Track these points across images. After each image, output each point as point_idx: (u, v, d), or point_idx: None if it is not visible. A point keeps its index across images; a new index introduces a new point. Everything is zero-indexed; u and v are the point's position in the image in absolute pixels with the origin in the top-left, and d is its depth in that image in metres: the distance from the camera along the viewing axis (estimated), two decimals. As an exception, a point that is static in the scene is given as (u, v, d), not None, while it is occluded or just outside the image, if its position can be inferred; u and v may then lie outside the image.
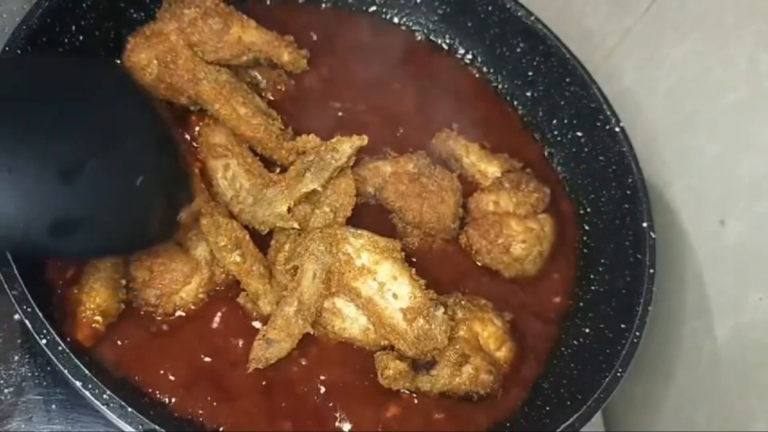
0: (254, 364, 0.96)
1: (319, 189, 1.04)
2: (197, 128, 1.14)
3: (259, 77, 1.22)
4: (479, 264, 1.18)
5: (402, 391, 1.01)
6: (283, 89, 1.24)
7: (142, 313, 0.99)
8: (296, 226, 1.03)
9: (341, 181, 1.08)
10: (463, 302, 1.06)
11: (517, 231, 1.15)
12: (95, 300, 0.91)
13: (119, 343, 0.95)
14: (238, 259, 0.98)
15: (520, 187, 1.19)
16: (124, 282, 0.96)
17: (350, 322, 1.02)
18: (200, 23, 1.11)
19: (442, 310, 1.01)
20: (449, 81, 1.40)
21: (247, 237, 1.01)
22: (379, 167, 1.15)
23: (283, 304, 0.97)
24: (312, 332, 0.99)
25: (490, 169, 1.23)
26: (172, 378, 0.95)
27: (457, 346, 1.01)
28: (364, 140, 1.07)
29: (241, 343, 1.00)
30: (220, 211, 1.02)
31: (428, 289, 1.02)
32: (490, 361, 1.04)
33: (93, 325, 0.91)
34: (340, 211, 1.06)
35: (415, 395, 1.02)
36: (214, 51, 1.12)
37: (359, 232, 1.02)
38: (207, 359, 0.98)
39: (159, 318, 0.99)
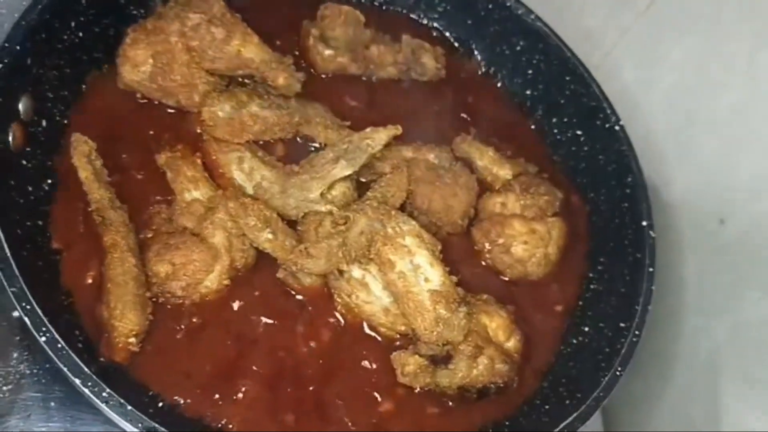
0: (290, 264, 1.01)
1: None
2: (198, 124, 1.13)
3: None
4: (483, 264, 1.18)
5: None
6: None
7: (169, 307, 0.99)
8: (333, 209, 1.06)
9: (396, 175, 1.12)
10: (467, 298, 1.07)
11: (519, 232, 1.15)
12: (128, 326, 0.93)
13: (149, 348, 0.96)
14: (270, 236, 1.02)
15: (530, 189, 1.19)
16: (149, 294, 0.97)
17: (374, 298, 1.05)
18: (203, 30, 1.09)
19: (466, 309, 1.03)
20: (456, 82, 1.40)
21: (275, 215, 1.05)
22: (400, 150, 1.18)
23: (329, 237, 1.01)
24: (337, 300, 1.05)
25: (502, 172, 1.23)
26: (190, 377, 0.95)
27: (469, 339, 1.02)
28: (398, 129, 1.11)
29: (262, 324, 1.02)
30: (237, 196, 1.04)
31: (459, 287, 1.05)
32: (503, 352, 1.05)
33: (129, 348, 0.93)
34: (389, 201, 1.09)
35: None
36: (211, 60, 1.10)
37: (410, 219, 1.06)
38: (230, 348, 1.00)
39: (186, 310, 1.00)
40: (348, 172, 1.08)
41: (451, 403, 1.04)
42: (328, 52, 1.27)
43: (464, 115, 1.35)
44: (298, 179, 1.08)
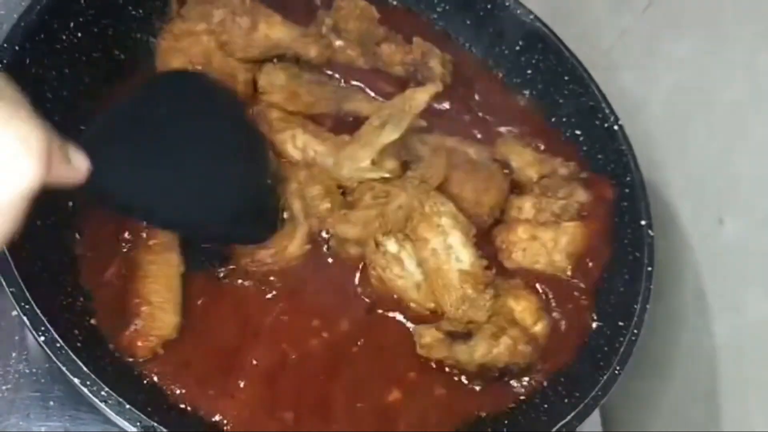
0: (327, 225, 1.08)
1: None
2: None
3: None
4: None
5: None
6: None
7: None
8: (386, 174, 1.08)
9: (437, 158, 1.13)
10: (496, 281, 1.07)
11: (520, 238, 1.15)
12: (165, 330, 0.95)
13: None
14: (328, 205, 1.07)
15: (547, 193, 1.18)
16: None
17: (407, 274, 1.07)
18: (229, 23, 1.11)
19: (492, 292, 1.04)
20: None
21: (335, 185, 1.10)
22: (443, 138, 1.20)
23: (368, 207, 1.06)
24: (371, 273, 1.07)
25: (529, 173, 1.23)
26: (189, 368, 0.96)
27: (493, 319, 1.04)
28: (439, 87, 1.12)
29: (268, 320, 1.03)
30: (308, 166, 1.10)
31: (489, 269, 1.06)
32: (528, 335, 1.06)
33: (156, 350, 0.95)
34: (429, 181, 1.10)
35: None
36: (244, 49, 1.13)
37: (448, 201, 1.08)
38: (234, 338, 1.00)
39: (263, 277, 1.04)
40: (395, 135, 1.08)
41: (456, 379, 1.05)
42: (339, 42, 1.27)
43: (480, 114, 1.34)
44: (348, 149, 1.10)
